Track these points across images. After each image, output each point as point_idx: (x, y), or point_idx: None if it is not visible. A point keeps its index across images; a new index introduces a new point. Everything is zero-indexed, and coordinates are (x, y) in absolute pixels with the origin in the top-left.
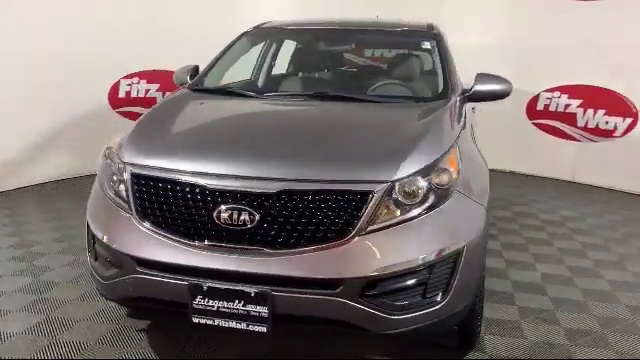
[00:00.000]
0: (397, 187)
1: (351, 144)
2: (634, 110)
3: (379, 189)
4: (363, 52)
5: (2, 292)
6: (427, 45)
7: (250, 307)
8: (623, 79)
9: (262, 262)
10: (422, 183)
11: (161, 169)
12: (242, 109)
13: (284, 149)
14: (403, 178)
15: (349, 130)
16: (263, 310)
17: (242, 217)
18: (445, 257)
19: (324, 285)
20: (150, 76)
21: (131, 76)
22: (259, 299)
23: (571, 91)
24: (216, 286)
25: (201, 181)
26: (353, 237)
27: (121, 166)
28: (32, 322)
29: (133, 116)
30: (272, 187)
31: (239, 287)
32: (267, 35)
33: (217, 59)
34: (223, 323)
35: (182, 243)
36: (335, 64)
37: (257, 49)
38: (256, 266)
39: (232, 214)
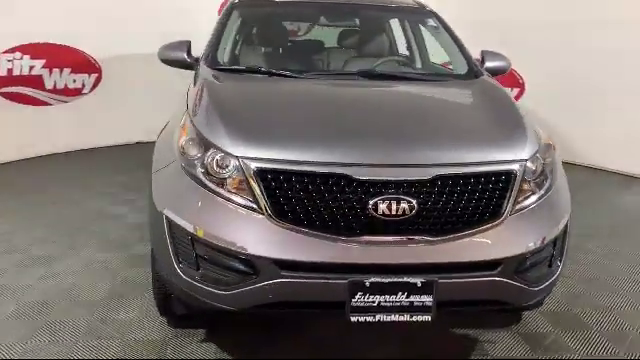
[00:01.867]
0: (528, 165)
1: (462, 125)
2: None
3: (519, 168)
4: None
5: None
6: (432, 22)
7: (414, 298)
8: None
9: (426, 251)
10: (541, 160)
11: (294, 162)
12: (315, 92)
13: (413, 134)
14: (532, 156)
15: (442, 111)
16: (428, 299)
17: (400, 206)
18: (565, 227)
19: (485, 267)
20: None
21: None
22: (425, 289)
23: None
24: (379, 281)
25: (348, 172)
26: (505, 217)
27: (235, 162)
28: None
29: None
30: (427, 173)
31: (404, 279)
32: (255, 8)
33: (219, 34)
34: (384, 317)
35: (333, 240)
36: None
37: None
38: (421, 256)
39: (390, 204)
